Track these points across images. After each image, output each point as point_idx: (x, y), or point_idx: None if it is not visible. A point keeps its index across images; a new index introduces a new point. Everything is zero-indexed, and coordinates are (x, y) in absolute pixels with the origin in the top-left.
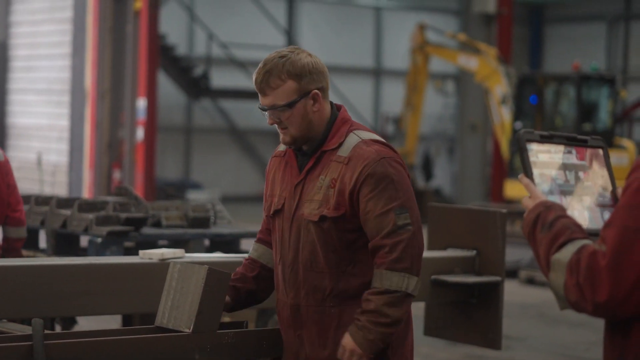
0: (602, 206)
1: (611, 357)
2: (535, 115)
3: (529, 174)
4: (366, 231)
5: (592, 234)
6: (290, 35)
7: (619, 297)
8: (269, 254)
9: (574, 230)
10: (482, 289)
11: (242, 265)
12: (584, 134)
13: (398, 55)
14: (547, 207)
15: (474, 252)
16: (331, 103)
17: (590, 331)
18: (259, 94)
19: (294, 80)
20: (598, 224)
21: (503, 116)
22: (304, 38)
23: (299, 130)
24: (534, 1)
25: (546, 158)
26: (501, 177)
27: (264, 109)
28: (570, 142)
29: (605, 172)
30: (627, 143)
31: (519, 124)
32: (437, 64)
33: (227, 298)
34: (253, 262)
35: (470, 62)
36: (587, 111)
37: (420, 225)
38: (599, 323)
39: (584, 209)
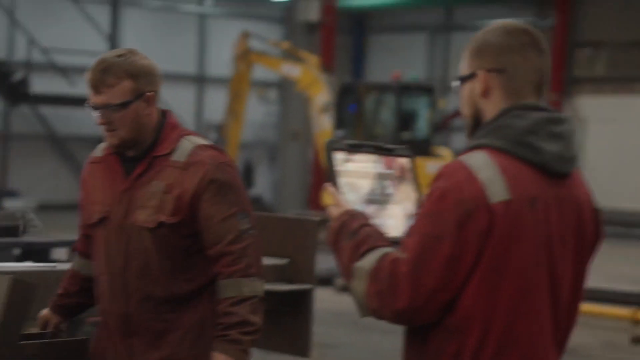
0: (407, 215)
1: None
2: (355, 124)
3: (335, 182)
4: (206, 237)
5: (396, 243)
6: (113, 41)
7: (418, 304)
8: (90, 266)
9: (377, 238)
10: (293, 297)
11: (65, 278)
12: (403, 143)
13: (221, 62)
14: (352, 215)
15: (286, 261)
16: (157, 108)
17: (401, 338)
18: (92, 92)
19: (131, 80)
20: (402, 233)
21: (324, 125)
22: (127, 44)
23: (129, 133)
24: (357, 11)
25: (353, 167)
26: (320, 185)
27: (95, 108)
28: (377, 151)
29: (411, 182)
30: (444, 152)
31: (339, 133)
32: (260, 71)
33: (57, 318)
34: (74, 275)
35: (293, 71)
36: (406, 120)
37: (258, 231)
38: None
39: (389, 218)
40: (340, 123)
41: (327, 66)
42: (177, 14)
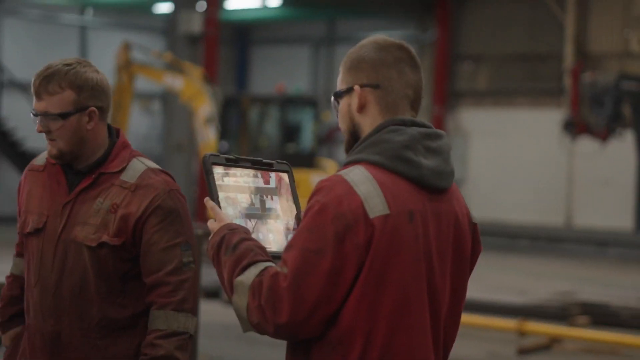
0: (287, 229)
1: None
2: (239, 136)
3: (214, 197)
4: (145, 263)
5: (276, 257)
6: None
7: (299, 319)
8: None
9: (257, 252)
10: None
11: (6, 284)
12: (288, 155)
13: (104, 73)
14: (232, 230)
15: None
16: (109, 126)
17: None
18: (34, 98)
19: (74, 92)
20: (283, 248)
21: (209, 136)
22: (6, 54)
23: (68, 145)
24: (240, 23)
25: (232, 181)
26: (205, 197)
27: (35, 114)
28: (255, 165)
29: (290, 196)
30: (329, 164)
31: (224, 144)
32: (143, 83)
33: (13, 332)
34: (15, 279)
35: (175, 82)
36: (290, 132)
37: (199, 265)
38: None
39: (269, 232)
40: (224, 135)
41: (211, 78)
42: (58, 24)
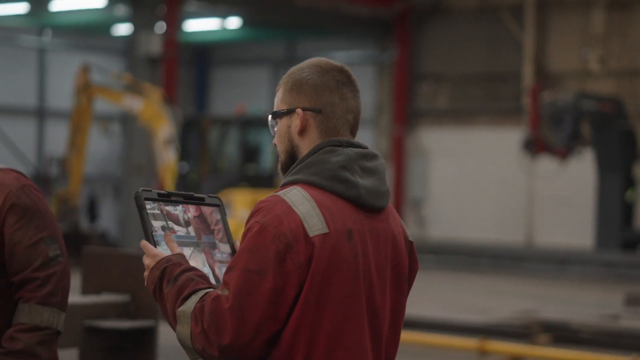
0: (220, 262)
1: None
2: (199, 157)
3: (148, 232)
4: (11, 264)
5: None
6: None
7: (244, 340)
8: None
9: (198, 281)
10: (136, 333)
11: None
12: (248, 176)
13: (63, 95)
14: (172, 262)
15: (128, 297)
16: None
17: None
18: None
19: None
20: (215, 280)
21: (168, 157)
22: None
23: None
24: (199, 44)
25: (165, 216)
26: None
27: None
28: (187, 200)
29: (222, 228)
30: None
31: (184, 166)
32: (102, 104)
33: None
34: None
35: (134, 104)
36: (250, 153)
37: (67, 258)
38: None
39: (204, 266)
40: (184, 156)
41: (170, 99)
42: (16, 47)
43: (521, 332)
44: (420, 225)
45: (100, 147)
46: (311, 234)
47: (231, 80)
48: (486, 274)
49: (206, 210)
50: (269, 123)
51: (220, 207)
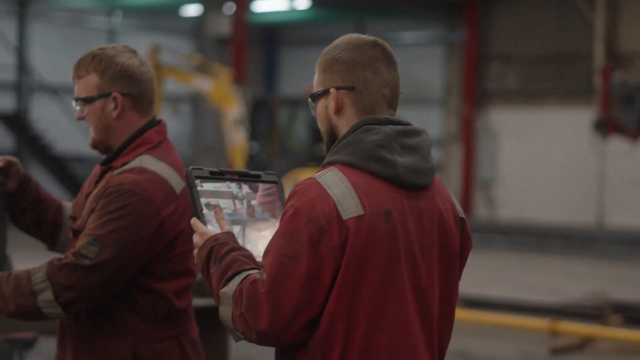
0: None
1: None
2: (269, 137)
3: (198, 210)
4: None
5: None
6: (21, 55)
7: (280, 325)
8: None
9: (243, 262)
10: (210, 312)
11: (56, 197)
12: (317, 156)
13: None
14: (219, 241)
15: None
16: (153, 120)
17: None
18: None
19: (97, 75)
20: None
21: (238, 137)
22: (35, 58)
23: (97, 133)
24: (268, 24)
25: (218, 189)
26: None
27: (75, 100)
28: (242, 178)
29: (279, 205)
30: None
31: (254, 146)
32: (172, 85)
33: (13, 175)
34: (60, 204)
35: (204, 84)
36: (319, 133)
37: (102, 270)
38: None
39: (258, 241)
40: (253, 136)
41: (239, 80)
42: (86, 28)
43: (592, 313)
44: (489, 205)
45: (170, 127)
46: (345, 217)
47: (300, 61)
48: (557, 255)
49: (263, 187)
50: (310, 106)
51: (277, 184)
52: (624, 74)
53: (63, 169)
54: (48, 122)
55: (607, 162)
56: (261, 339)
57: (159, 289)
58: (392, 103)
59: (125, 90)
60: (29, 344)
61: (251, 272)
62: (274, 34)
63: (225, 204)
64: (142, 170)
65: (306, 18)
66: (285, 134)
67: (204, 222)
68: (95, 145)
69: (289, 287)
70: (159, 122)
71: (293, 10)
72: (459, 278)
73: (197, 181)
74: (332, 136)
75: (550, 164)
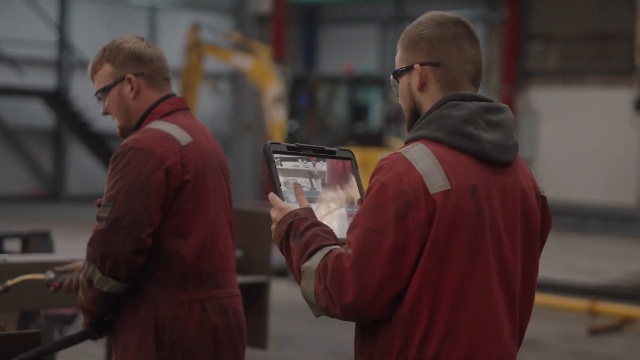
0: (350, 216)
1: (361, 358)
2: (308, 116)
3: (275, 185)
4: None
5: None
6: (62, 33)
7: (366, 299)
8: None
9: (324, 237)
10: (249, 289)
11: None
12: (356, 134)
13: (172, 54)
14: (299, 217)
15: (241, 252)
16: (167, 95)
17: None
18: None
19: (110, 64)
20: (344, 234)
21: (277, 116)
22: (76, 35)
23: (120, 119)
24: (308, 2)
25: (293, 166)
26: None
27: (96, 96)
28: (317, 153)
29: (354, 182)
30: (397, 143)
31: (293, 124)
32: (212, 63)
33: None
34: None
35: (244, 62)
36: (359, 112)
37: (120, 225)
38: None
39: (332, 219)
40: (293, 114)
41: (279, 58)
42: (126, 6)
43: (631, 293)
44: None
45: (209, 105)
46: (432, 192)
47: (339, 39)
48: (596, 236)
49: (337, 163)
50: (391, 83)
51: (352, 160)
52: None
53: (103, 146)
54: (88, 99)
55: None
56: (345, 314)
57: (175, 248)
58: (476, 80)
59: (137, 70)
60: (69, 320)
61: (334, 247)
62: (314, 12)
63: (302, 182)
64: (144, 130)
65: None
66: (324, 113)
67: (282, 198)
68: (122, 133)
69: (375, 261)
70: (173, 95)
71: None
72: (539, 256)
73: (276, 157)
74: (415, 113)
75: (590, 143)
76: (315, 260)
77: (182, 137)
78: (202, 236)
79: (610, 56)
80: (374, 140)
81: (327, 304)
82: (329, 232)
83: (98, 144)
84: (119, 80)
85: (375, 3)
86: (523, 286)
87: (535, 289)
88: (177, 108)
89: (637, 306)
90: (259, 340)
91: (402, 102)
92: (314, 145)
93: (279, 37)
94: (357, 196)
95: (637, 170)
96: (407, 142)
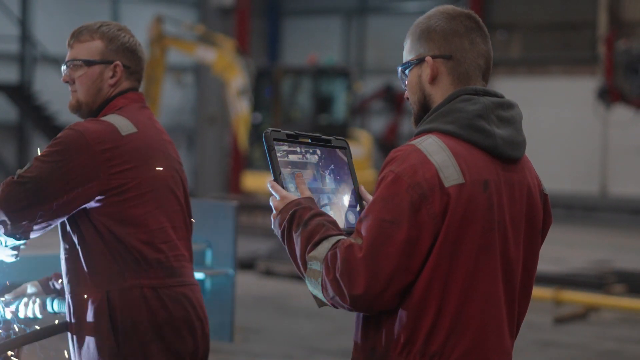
0: (345, 206)
1: (363, 350)
2: (272, 108)
3: (276, 173)
4: None
5: (349, 233)
6: (24, 25)
7: (376, 290)
8: None
9: (329, 227)
10: (214, 281)
11: None
12: (321, 126)
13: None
14: (302, 205)
15: (205, 245)
16: (125, 90)
17: (327, 321)
18: (68, 50)
19: (103, 43)
20: (342, 224)
21: (241, 108)
22: (38, 28)
23: (87, 96)
24: None
25: (294, 157)
26: (239, 169)
27: (64, 64)
28: (314, 142)
29: (348, 172)
30: (362, 135)
31: (257, 116)
32: (175, 55)
33: None
34: None
35: (208, 54)
36: (323, 103)
37: (27, 185)
38: (336, 313)
39: (330, 210)
40: (257, 106)
41: (243, 50)
42: None
43: (596, 282)
44: None
45: (173, 98)
46: (447, 185)
47: (303, 31)
48: (560, 224)
49: (332, 152)
50: (399, 76)
51: (346, 149)
52: (628, 42)
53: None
54: (51, 93)
55: (611, 131)
56: (354, 304)
57: (123, 236)
58: (486, 74)
59: (127, 62)
60: None
61: (341, 237)
62: (277, 4)
63: (301, 171)
64: (89, 120)
65: None
66: (288, 104)
67: (282, 186)
68: (79, 106)
69: (388, 251)
70: (131, 89)
71: None
72: (539, 252)
73: (275, 144)
74: (425, 105)
75: (554, 133)
76: (321, 250)
77: (124, 126)
78: (149, 225)
79: (573, 46)
80: (339, 131)
81: (334, 294)
82: (333, 222)
83: None
84: (106, 62)
85: None
86: (522, 282)
87: (532, 285)
88: (130, 102)
89: (601, 294)
90: (225, 332)
91: (411, 95)
92: (312, 134)
93: (242, 29)
94: (351, 185)
95: (600, 159)
96: (418, 134)
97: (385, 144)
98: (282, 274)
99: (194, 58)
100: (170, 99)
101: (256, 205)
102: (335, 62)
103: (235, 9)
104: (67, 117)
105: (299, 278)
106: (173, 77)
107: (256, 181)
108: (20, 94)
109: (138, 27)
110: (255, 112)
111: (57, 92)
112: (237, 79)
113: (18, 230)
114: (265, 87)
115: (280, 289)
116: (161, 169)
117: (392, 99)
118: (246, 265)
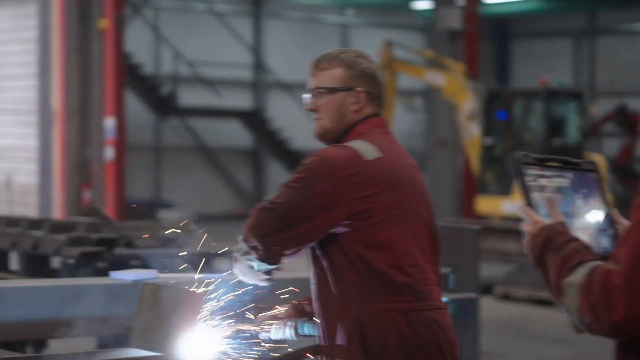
0: (600, 230)
1: None
2: (504, 131)
3: (528, 197)
4: None
5: (605, 257)
6: (257, 53)
7: (636, 316)
8: None
9: (584, 252)
10: (458, 305)
11: None
12: (554, 149)
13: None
14: (556, 230)
15: (448, 269)
16: (368, 115)
17: (568, 347)
18: (309, 79)
19: (343, 70)
20: (594, 248)
21: (472, 132)
22: (270, 55)
23: (332, 123)
24: (499, 17)
25: (544, 181)
26: (472, 193)
27: (307, 94)
28: (564, 165)
29: (599, 195)
30: (596, 158)
31: (488, 140)
32: (405, 80)
33: None
34: None
35: (437, 79)
36: (555, 126)
37: (277, 210)
38: (578, 339)
39: (582, 233)
40: (488, 130)
41: (471, 73)
42: (319, 24)
43: None
44: None
45: (403, 122)
46: None
47: (531, 53)
48: None
49: (582, 175)
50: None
51: (596, 172)
52: None
53: (300, 164)
54: (284, 118)
55: None
56: (613, 331)
57: (371, 260)
58: None
59: (369, 88)
60: None
61: (597, 263)
62: (505, 26)
63: (552, 196)
64: (333, 146)
65: (537, 9)
66: (519, 128)
67: (534, 211)
68: (324, 134)
69: None
70: (374, 115)
71: (524, 1)
72: None
73: (525, 168)
74: None
75: None
76: (578, 276)
77: (368, 152)
78: (396, 248)
79: None
80: (573, 155)
81: (591, 320)
82: (587, 247)
83: (296, 161)
84: (348, 89)
85: (567, 16)
86: None
87: None
88: (374, 127)
89: None
90: (471, 357)
91: None
92: (561, 157)
93: (470, 53)
94: (603, 208)
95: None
96: None
97: (620, 166)
98: (521, 298)
99: (423, 82)
100: (400, 123)
101: (491, 229)
102: (566, 85)
103: (463, 33)
104: (300, 142)
105: (538, 303)
106: (403, 102)
107: (489, 205)
108: (255, 119)
109: (368, 52)
110: (486, 136)
111: (288, 118)
112: (467, 103)
113: (270, 255)
114: (495, 110)
115: (519, 313)
116: (406, 192)
117: (626, 120)
118: (483, 289)
